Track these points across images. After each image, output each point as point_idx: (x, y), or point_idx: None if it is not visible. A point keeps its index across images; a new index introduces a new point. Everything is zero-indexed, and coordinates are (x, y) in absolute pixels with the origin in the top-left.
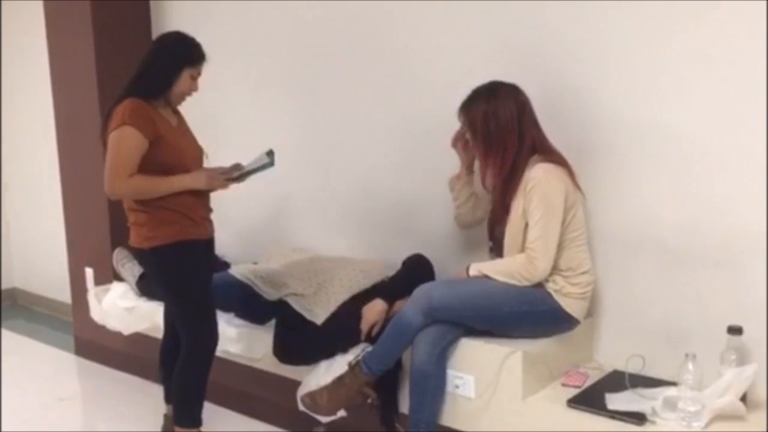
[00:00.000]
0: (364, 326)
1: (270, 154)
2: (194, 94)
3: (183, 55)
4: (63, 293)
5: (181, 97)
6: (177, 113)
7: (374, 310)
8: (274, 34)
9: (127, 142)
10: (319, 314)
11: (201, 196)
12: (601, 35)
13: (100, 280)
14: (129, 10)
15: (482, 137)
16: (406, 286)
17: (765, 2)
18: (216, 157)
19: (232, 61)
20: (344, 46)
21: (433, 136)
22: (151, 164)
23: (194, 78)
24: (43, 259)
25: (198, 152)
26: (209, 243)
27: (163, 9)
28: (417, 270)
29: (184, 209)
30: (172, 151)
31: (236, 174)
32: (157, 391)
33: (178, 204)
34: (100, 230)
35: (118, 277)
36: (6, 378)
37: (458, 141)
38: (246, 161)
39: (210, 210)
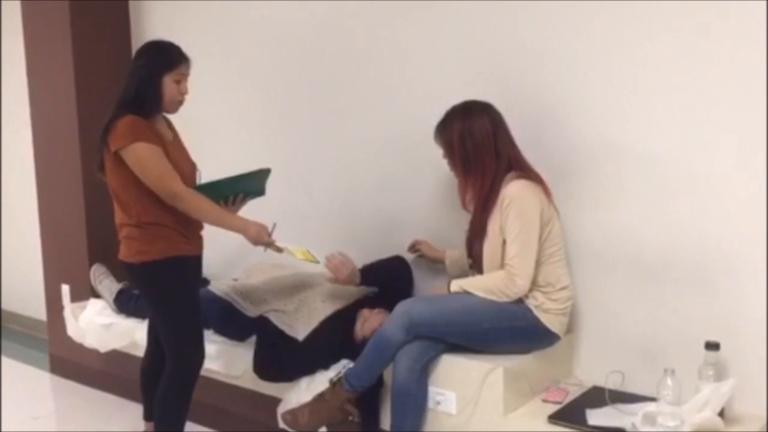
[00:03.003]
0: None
1: (264, 173)
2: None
3: (158, 63)
4: (37, 310)
5: (174, 105)
6: (172, 128)
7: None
8: (255, 48)
9: (148, 154)
10: (300, 330)
11: None
12: (580, 57)
13: (76, 297)
14: (108, 9)
15: (460, 157)
16: (378, 275)
17: (743, 29)
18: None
19: (210, 73)
20: (326, 62)
21: (415, 152)
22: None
23: (178, 82)
24: (16, 275)
25: (191, 169)
26: (199, 260)
27: (141, 9)
28: (393, 264)
29: (177, 225)
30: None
31: (240, 196)
32: (134, 409)
33: (172, 220)
34: (77, 246)
35: (96, 294)
36: None
37: None
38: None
39: (201, 227)
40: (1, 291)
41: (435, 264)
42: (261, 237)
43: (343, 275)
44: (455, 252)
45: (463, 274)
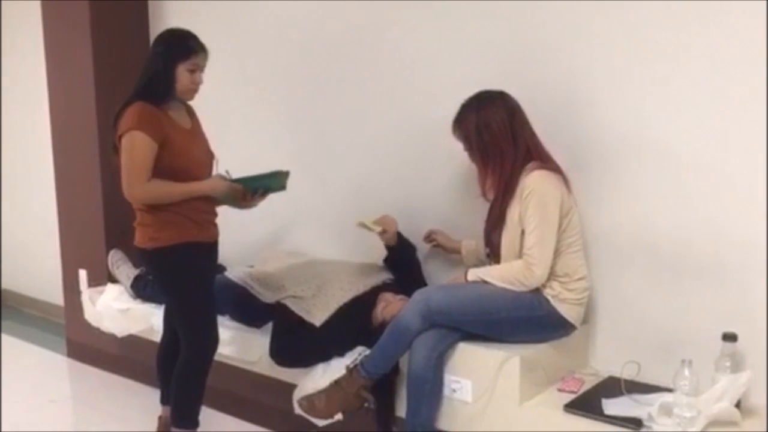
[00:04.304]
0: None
1: (283, 174)
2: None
3: (173, 52)
4: (53, 295)
5: (188, 93)
6: (192, 115)
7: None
8: (270, 42)
9: (138, 146)
10: (317, 316)
11: (207, 200)
12: (599, 50)
13: (94, 282)
14: (127, 9)
15: (478, 148)
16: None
17: (761, 19)
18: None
19: (228, 67)
20: (339, 53)
21: (428, 142)
22: (158, 168)
23: (192, 71)
24: (32, 260)
25: (207, 157)
26: (213, 246)
27: (160, 8)
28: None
29: (190, 212)
30: (179, 155)
31: (260, 191)
32: (150, 393)
33: (184, 207)
34: (94, 232)
35: (113, 279)
36: None
37: None
38: (240, 168)
39: (215, 214)
40: (14, 276)
41: (451, 254)
42: (219, 186)
43: (393, 228)
44: (471, 242)
45: (479, 264)
